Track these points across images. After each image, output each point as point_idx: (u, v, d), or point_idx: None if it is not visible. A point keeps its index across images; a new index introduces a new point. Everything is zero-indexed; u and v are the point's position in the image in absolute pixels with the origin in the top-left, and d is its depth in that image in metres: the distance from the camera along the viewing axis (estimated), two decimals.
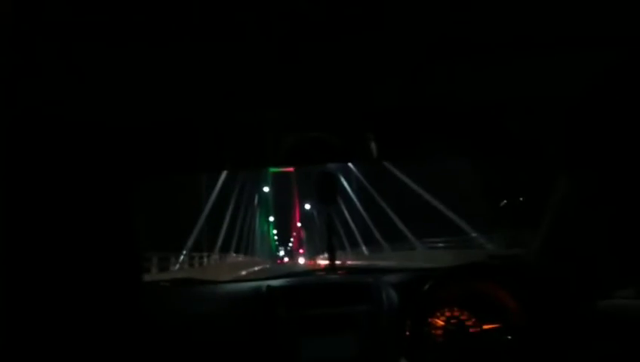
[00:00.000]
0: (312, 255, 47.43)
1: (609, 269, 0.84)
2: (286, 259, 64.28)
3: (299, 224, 74.69)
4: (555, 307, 0.95)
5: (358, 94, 0.76)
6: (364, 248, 25.11)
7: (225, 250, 21.12)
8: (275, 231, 75.91)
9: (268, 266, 30.03)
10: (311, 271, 1.68)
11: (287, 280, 1.36)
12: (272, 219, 66.44)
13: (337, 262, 8.55)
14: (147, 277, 3.31)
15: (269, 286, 1.25)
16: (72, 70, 0.57)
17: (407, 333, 1.09)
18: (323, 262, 29.62)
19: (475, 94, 0.78)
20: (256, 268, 23.59)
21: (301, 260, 49.30)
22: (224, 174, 18.01)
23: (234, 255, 24.22)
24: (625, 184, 0.74)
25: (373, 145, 0.94)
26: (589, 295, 0.91)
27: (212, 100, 0.74)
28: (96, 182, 0.79)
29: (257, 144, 0.98)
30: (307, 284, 1.32)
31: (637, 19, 0.53)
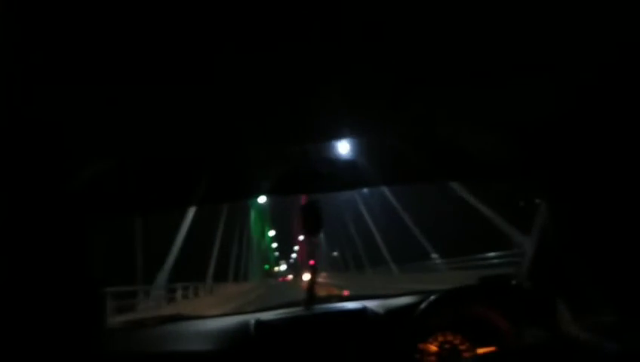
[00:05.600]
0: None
1: (592, 289, 0.86)
2: (290, 277, 59.86)
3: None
4: (545, 327, 0.95)
5: (342, 123, 0.78)
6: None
7: (218, 277, 18.53)
8: (273, 235, 69.67)
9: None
10: (298, 302, 1.47)
11: (276, 312, 1.33)
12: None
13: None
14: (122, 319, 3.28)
15: (257, 322, 1.24)
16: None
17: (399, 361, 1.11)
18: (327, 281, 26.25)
19: (457, 118, 0.79)
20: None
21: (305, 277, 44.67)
22: None
23: (225, 283, 21.21)
24: (604, 206, 0.76)
25: (359, 172, 0.98)
26: (575, 314, 0.92)
27: (197, 138, 0.77)
28: (56, 216, 0.77)
29: (244, 176, 1.02)
30: (295, 317, 1.30)
31: (609, 40, 0.56)
